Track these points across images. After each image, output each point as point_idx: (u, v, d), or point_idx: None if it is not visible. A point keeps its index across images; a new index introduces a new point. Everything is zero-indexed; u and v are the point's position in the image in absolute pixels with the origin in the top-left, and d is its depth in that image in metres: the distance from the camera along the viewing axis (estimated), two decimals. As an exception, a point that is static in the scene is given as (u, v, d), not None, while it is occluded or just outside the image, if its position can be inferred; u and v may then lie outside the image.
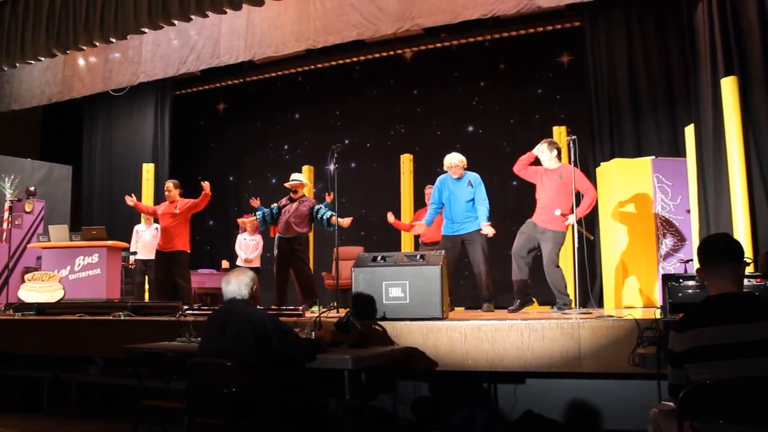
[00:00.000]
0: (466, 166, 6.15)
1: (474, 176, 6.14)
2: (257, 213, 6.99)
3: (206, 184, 7.18)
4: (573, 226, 5.30)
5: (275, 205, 6.90)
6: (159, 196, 10.15)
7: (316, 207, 6.70)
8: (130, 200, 7.43)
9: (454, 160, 6.11)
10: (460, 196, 6.06)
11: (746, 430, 2.15)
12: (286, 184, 6.92)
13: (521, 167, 5.75)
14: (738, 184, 5.62)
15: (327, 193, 6.62)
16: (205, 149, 11.76)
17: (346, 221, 6.43)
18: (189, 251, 7.44)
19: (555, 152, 5.61)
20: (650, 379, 3.79)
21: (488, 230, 5.90)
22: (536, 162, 5.75)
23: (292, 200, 6.82)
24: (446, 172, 6.18)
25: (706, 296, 2.45)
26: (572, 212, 5.34)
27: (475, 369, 4.06)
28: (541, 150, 5.62)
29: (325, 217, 6.56)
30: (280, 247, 6.73)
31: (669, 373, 2.44)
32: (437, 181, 6.27)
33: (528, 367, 3.97)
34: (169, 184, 7.45)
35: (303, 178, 6.98)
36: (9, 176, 9.31)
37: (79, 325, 5.42)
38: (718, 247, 2.44)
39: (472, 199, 6.04)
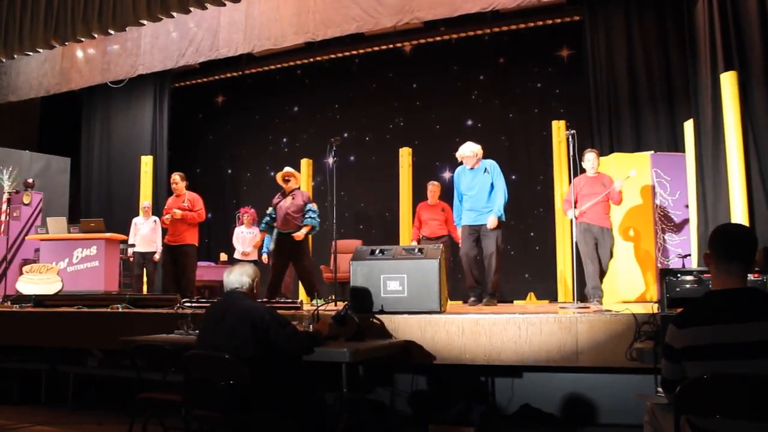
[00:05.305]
0: (480, 156, 6.03)
1: (490, 163, 6.04)
2: (261, 226, 6.82)
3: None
4: (572, 221, 5.53)
5: (270, 208, 6.71)
6: (156, 189, 10.15)
7: (308, 206, 6.54)
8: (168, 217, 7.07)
9: (465, 151, 5.99)
10: (478, 185, 5.94)
11: (743, 425, 2.13)
12: (279, 174, 6.68)
13: (569, 207, 5.73)
14: (737, 179, 5.63)
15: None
16: (204, 142, 11.74)
17: (300, 234, 6.38)
18: (197, 244, 7.28)
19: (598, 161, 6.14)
20: (647, 374, 3.80)
21: (491, 222, 5.80)
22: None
23: (284, 194, 6.62)
24: (461, 163, 6.10)
25: (707, 290, 2.38)
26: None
27: (472, 362, 4.06)
28: (590, 159, 6.03)
29: (304, 221, 6.46)
30: (279, 243, 6.56)
31: (663, 367, 2.40)
32: (454, 174, 6.22)
33: (525, 361, 3.97)
34: (176, 177, 7.26)
35: (293, 170, 6.74)
36: (7, 168, 9.30)
37: (77, 318, 5.42)
38: (738, 244, 2.29)
39: (492, 185, 5.93)
